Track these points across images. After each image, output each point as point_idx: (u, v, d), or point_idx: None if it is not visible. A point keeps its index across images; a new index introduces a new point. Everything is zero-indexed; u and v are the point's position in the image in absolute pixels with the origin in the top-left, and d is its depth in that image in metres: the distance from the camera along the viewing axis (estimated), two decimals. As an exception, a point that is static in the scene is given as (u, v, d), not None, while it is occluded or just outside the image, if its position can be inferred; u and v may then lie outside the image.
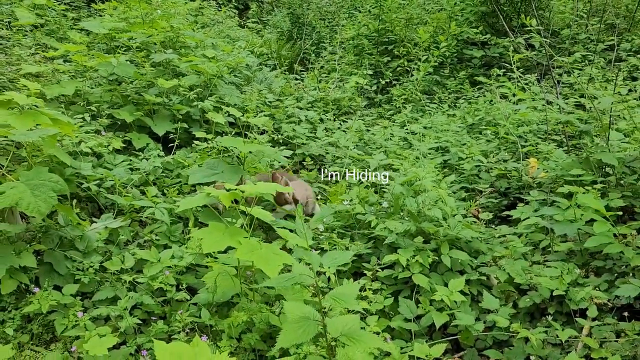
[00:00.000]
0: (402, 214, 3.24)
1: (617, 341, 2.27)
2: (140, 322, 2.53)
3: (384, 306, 2.75)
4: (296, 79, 7.07)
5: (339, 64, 7.74)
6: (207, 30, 9.63)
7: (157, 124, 4.40)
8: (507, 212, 3.66)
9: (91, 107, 4.23)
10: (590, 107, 3.58)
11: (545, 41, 8.26)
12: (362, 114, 6.67)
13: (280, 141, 4.71)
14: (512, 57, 5.14)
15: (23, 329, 2.51)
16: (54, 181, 2.44)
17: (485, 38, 8.14)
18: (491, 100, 6.07)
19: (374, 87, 7.65)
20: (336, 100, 6.48)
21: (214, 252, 2.54)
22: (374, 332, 2.50)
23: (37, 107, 2.95)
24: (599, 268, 2.73)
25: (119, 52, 4.64)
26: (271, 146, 4.24)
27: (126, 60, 4.64)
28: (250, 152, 3.24)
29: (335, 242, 3.09)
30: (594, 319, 2.43)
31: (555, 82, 4.93)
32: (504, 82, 5.87)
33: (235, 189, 2.26)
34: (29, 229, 2.77)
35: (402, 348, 2.46)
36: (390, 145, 4.85)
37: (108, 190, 3.41)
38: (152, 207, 3.03)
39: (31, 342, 2.46)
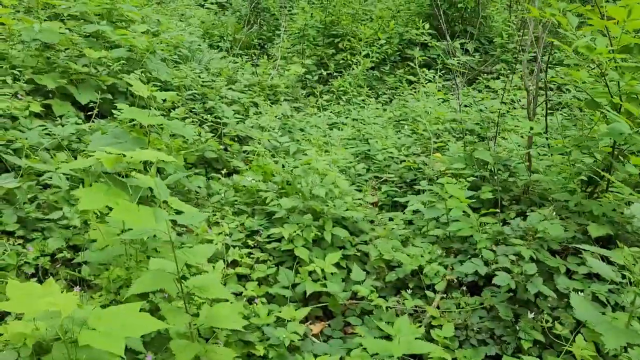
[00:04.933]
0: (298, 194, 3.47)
1: (456, 311, 2.58)
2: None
3: (268, 275, 2.99)
4: (252, 64, 7.22)
5: (280, 52, 7.91)
6: (163, 6, 9.65)
7: (81, 92, 4.46)
8: (404, 199, 3.94)
9: (14, 70, 4.26)
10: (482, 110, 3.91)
11: (478, 47, 8.65)
12: (297, 101, 6.89)
13: (210, 121, 4.86)
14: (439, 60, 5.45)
15: None
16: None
17: (426, 40, 8.50)
18: (418, 99, 6.41)
19: (316, 77, 7.88)
20: (273, 87, 6.66)
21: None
22: (250, 297, 2.74)
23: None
24: (459, 250, 3.05)
25: (39, 18, 4.62)
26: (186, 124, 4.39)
27: (62, 28, 4.64)
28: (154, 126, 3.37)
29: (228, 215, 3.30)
30: (444, 294, 2.73)
31: (457, 84, 5.27)
32: (426, 82, 6.23)
33: (119, 154, 2.42)
34: None
35: (271, 311, 2.68)
36: (310, 131, 5.08)
37: (16, 152, 3.48)
38: (51, 171, 3.13)
39: None
